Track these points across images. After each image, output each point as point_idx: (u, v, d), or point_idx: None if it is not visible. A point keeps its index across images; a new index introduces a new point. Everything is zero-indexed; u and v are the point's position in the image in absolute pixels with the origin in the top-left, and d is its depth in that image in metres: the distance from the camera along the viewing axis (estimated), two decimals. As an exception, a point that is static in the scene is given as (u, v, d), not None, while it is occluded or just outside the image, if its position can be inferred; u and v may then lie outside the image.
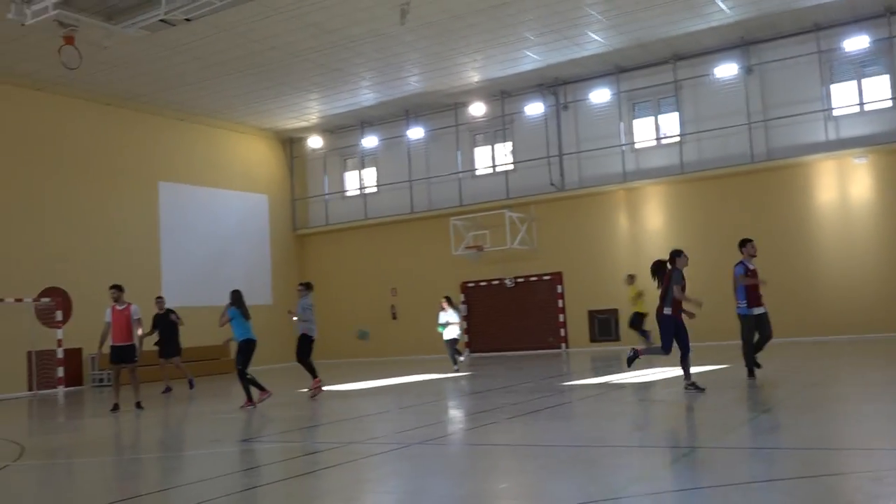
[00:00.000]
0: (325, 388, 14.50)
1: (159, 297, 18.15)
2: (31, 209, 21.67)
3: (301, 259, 29.81)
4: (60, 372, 20.50)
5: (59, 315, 20.78)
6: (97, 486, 7.53)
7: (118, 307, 13.82)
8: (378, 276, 27.89)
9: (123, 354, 13.82)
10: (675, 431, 8.73)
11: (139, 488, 7.19)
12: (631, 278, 20.16)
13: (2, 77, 21.03)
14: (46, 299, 20.96)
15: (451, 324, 18.37)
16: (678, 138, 23.59)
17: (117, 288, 14.02)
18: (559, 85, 25.05)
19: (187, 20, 17.20)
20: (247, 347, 13.22)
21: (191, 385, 17.86)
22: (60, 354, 20.55)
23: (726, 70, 22.64)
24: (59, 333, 20.51)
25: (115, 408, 13.82)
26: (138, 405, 13.82)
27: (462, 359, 18.90)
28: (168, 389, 17.33)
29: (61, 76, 20.63)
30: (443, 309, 18.53)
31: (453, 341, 18.47)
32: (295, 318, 14.24)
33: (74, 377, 21.81)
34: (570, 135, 25.10)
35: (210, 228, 26.48)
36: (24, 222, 21.40)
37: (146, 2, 16.71)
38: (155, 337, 17.50)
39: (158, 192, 25.14)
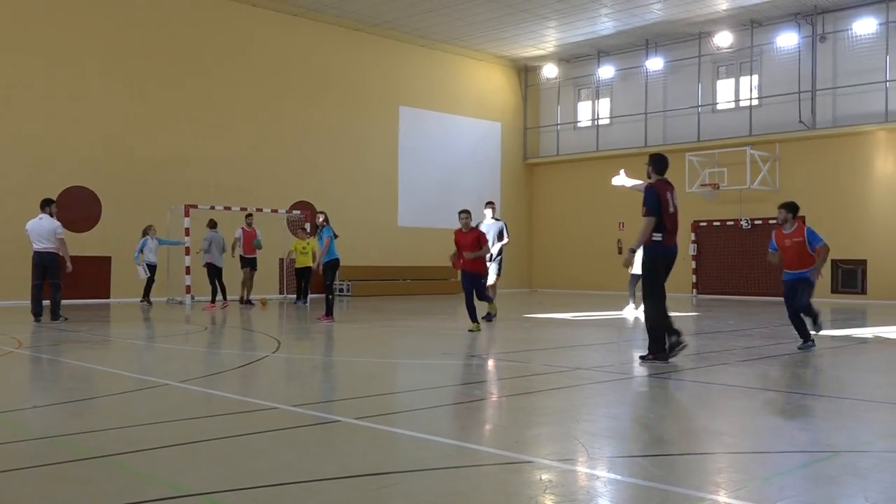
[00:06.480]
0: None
1: None
2: (283, 127, 23.40)
3: (530, 188, 30.06)
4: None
5: (307, 227, 22.42)
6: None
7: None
8: (606, 210, 27.56)
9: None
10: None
11: (370, 387, 7.76)
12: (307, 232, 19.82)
13: (265, 3, 22.65)
14: (297, 212, 22.68)
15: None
16: (956, 75, 21.14)
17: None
18: (817, 14, 23.10)
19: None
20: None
21: None
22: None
23: None
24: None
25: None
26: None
27: None
28: None
29: (316, 2, 21.85)
30: None
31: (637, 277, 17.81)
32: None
33: (317, 286, 23.56)
34: (825, 69, 23.19)
35: (444, 153, 27.33)
36: (277, 140, 23.19)
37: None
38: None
39: (399, 115, 26.23)
